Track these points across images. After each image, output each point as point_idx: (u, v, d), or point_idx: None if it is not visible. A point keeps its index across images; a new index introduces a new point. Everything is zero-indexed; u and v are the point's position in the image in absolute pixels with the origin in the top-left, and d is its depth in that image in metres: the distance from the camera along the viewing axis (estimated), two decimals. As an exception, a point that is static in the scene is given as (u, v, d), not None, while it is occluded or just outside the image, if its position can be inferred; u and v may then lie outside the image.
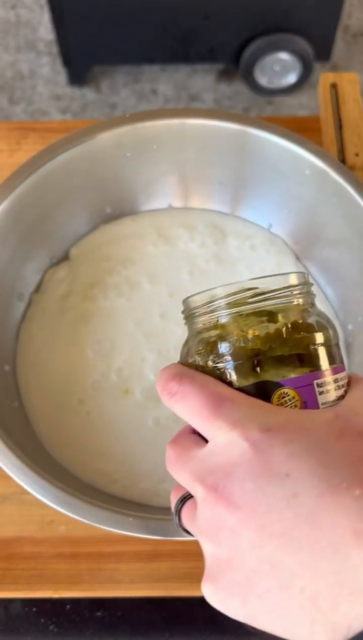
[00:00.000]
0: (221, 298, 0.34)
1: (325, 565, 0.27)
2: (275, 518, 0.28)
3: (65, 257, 0.61)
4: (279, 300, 0.34)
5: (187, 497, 0.34)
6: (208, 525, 0.30)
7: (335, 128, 0.64)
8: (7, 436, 0.47)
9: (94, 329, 0.58)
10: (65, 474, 0.52)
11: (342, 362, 0.35)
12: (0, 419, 0.49)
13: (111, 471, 0.53)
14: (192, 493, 0.32)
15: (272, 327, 0.33)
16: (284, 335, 0.33)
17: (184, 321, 0.36)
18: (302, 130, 0.59)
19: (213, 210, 0.63)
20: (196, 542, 0.50)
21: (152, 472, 0.53)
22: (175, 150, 0.59)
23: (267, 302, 0.34)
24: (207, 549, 0.31)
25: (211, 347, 0.33)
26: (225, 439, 0.30)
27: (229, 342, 0.33)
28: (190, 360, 0.34)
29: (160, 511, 0.51)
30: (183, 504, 0.34)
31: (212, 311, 0.34)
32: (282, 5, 1.28)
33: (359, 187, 0.53)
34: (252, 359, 0.32)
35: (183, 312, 0.36)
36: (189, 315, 0.35)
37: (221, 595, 0.30)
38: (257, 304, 0.33)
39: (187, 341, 0.36)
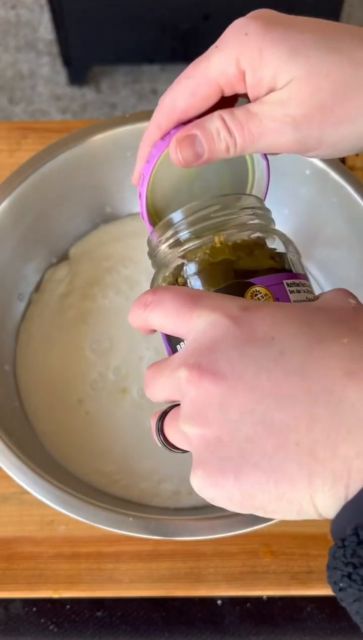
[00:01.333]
0: (182, 219, 0.35)
1: (320, 411, 0.27)
2: (265, 378, 0.28)
3: (65, 257, 0.61)
4: (235, 217, 0.35)
5: (166, 412, 0.33)
6: (194, 407, 0.29)
7: (335, 128, 0.64)
8: (7, 436, 0.48)
9: (93, 328, 0.58)
10: (65, 474, 0.52)
11: (306, 275, 0.36)
12: (0, 419, 0.49)
13: (111, 471, 0.53)
14: (174, 391, 0.31)
15: (236, 237, 0.34)
16: (247, 247, 0.34)
17: (151, 261, 0.37)
18: (302, 130, 0.59)
19: (213, 210, 0.63)
20: (196, 542, 0.50)
21: (151, 472, 0.53)
22: (175, 150, 0.59)
23: (225, 218, 0.34)
24: (194, 434, 0.29)
25: (178, 270, 0.34)
26: (206, 322, 0.30)
27: (196, 260, 0.34)
28: None
29: (160, 511, 0.51)
30: (163, 420, 0.33)
31: (175, 233, 0.35)
32: (282, 5, 1.28)
33: (359, 187, 0.53)
34: (220, 268, 0.33)
35: (148, 253, 0.37)
36: (154, 248, 0.36)
37: (213, 478, 0.29)
38: (216, 220, 0.34)
39: (153, 280, 0.37)
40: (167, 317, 0.32)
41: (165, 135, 0.36)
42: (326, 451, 0.26)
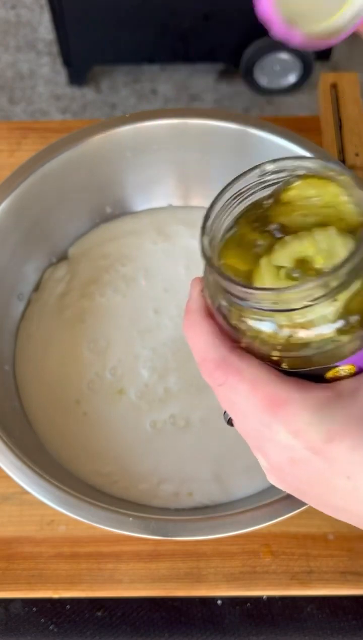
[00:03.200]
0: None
1: None
2: (338, 500, 0.32)
3: (64, 257, 0.61)
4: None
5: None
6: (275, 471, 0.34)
7: (335, 128, 0.64)
8: (7, 436, 0.47)
9: (91, 327, 0.58)
10: (65, 474, 0.52)
11: None
12: (0, 419, 0.49)
13: (110, 472, 0.53)
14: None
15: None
16: None
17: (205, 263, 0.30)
18: (302, 130, 0.59)
19: (214, 210, 0.63)
20: (196, 542, 0.50)
21: (150, 474, 0.53)
22: (175, 150, 0.59)
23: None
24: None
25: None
26: (287, 443, 0.31)
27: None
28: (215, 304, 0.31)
29: (160, 511, 0.51)
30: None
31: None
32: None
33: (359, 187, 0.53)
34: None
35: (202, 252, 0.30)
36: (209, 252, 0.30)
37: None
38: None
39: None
40: (241, 408, 0.32)
41: None
42: None
